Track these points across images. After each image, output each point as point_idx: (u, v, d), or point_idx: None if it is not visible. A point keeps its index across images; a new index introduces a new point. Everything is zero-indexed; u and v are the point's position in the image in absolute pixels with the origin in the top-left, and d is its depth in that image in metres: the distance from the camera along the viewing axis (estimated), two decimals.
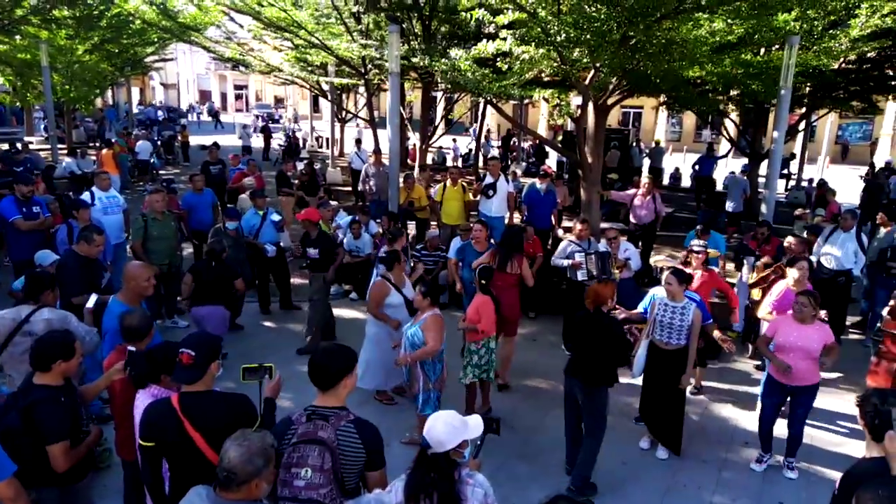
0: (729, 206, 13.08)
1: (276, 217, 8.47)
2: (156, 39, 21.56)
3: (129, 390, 3.43)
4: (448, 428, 2.71)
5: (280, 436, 2.79)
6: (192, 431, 2.87)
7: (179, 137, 23.52)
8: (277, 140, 25.80)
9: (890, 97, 16.04)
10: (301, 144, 24.87)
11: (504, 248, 6.45)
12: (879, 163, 21.32)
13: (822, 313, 5.27)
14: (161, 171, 19.26)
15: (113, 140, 17.30)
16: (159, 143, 22.61)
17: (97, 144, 22.42)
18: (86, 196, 7.78)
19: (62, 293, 5.21)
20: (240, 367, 3.32)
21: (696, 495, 4.98)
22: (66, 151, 18.41)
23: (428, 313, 5.07)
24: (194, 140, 23.98)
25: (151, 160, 18.43)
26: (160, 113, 36.25)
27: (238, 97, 51.74)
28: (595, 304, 4.80)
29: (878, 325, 7.73)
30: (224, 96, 51.50)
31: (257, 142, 25.06)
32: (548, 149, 20.79)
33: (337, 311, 8.26)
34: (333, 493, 2.73)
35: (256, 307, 8.44)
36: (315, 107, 38.75)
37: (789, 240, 7.32)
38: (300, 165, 13.78)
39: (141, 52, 23.63)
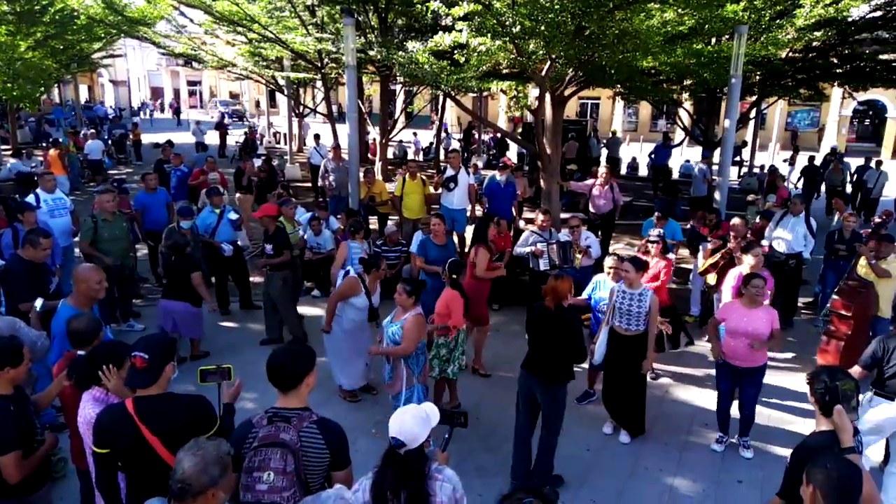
0: (694, 192, 13.40)
1: (233, 215, 8.30)
2: (103, 35, 20.84)
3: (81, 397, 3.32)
4: (417, 420, 2.70)
5: (241, 439, 2.74)
6: (150, 436, 2.79)
7: (131, 136, 22.86)
8: (235, 137, 25.30)
9: (835, 84, 16.57)
10: (258, 141, 24.42)
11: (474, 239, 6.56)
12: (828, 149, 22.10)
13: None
14: (113, 171, 18.71)
15: (59, 140, 16.71)
16: (110, 142, 21.93)
17: (45, 144, 21.63)
18: (30, 199, 7.50)
19: (9, 299, 5.02)
20: (198, 369, 3.25)
21: (658, 478, 5.09)
22: (10, 152, 17.74)
23: (411, 312, 4.96)
24: (147, 138, 23.34)
25: (102, 160, 17.88)
26: (110, 111, 35.15)
27: (192, 93, 50.44)
28: (555, 300, 4.70)
29: (828, 305, 8.04)
30: (177, 93, 50.12)
31: (212, 138, 24.53)
32: (508, 141, 20.89)
33: (301, 309, 8.17)
34: (297, 496, 2.69)
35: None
36: (272, 102, 38.17)
37: (734, 221, 7.50)
38: (257, 162, 13.54)
39: (87, 49, 22.80)
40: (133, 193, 10.07)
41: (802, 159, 17.69)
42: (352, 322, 5.91)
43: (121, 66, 41.26)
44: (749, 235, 7.69)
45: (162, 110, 45.98)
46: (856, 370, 4.65)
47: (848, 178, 15.02)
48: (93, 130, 22.82)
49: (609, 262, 5.98)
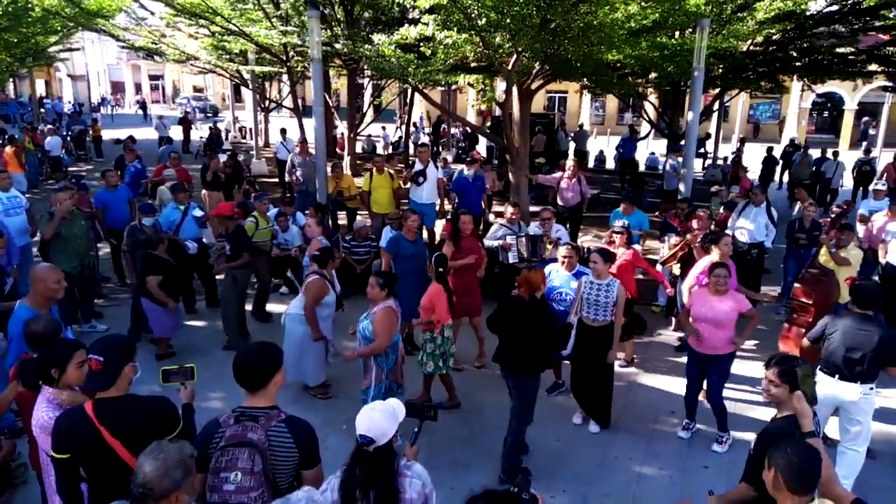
0: (666, 185, 13.55)
1: (198, 213, 8.13)
2: (59, 28, 20.21)
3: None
4: (385, 416, 2.68)
5: (207, 439, 2.69)
6: (112, 439, 2.73)
7: (91, 132, 22.27)
8: (200, 132, 24.83)
9: (794, 77, 16.97)
10: (224, 136, 24.01)
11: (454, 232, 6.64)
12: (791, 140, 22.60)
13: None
14: (72, 168, 18.20)
15: (15, 136, 16.20)
16: (68, 137, 21.32)
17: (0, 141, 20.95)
18: None
19: None
20: (160, 370, 3.18)
21: (627, 467, 5.16)
22: None
23: (381, 305, 4.86)
24: (108, 134, 22.77)
25: (61, 156, 17.39)
26: (68, 106, 34.16)
27: (154, 88, 49.32)
28: (529, 291, 4.78)
29: (790, 293, 8.23)
30: (139, 87, 48.93)
31: (176, 133, 24.03)
32: (478, 134, 20.91)
33: (268, 307, 8.08)
34: (265, 496, 2.65)
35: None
36: (237, 96, 37.50)
37: (698, 213, 7.64)
38: (223, 157, 13.30)
39: (43, 42, 22.10)
40: (93, 191, 9.81)
41: (755, 151, 18.04)
42: (322, 320, 5.89)
43: (79, 59, 40.09)
44: (713, 227, 7.83)
45: (121, 105, 44.67)
46: (804, 342, 4.89)
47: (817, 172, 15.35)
48: (51, 126, 22.18)
49: (562, 251, 5.99)
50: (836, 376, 4.61)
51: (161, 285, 6.43)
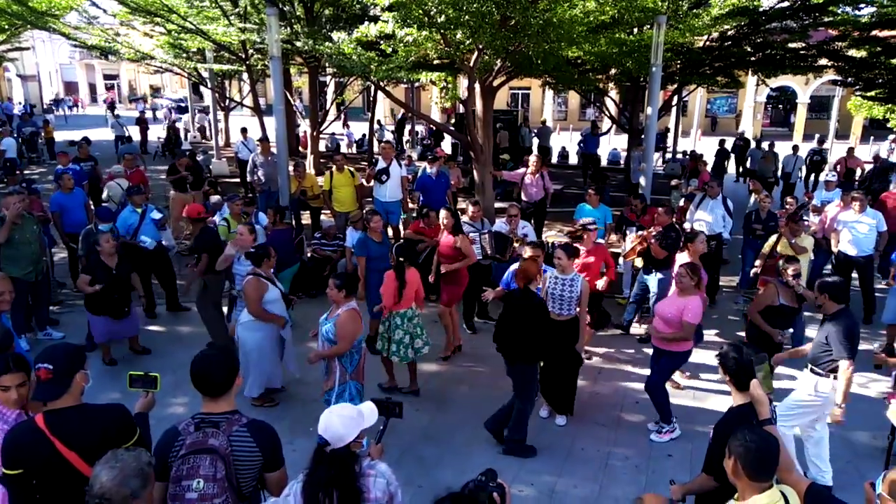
0: (634, 180, 13.71)
1: (156, 215, 7.93)
2: (6, 27, 19.51)
3: None
4: (344, 420, 2.65)
5: (166, 448, 2.64)
6: (66, 451, 2.64)
7: (43, 133, 21.56)
8: (156, 132, 24.23)
9: (749, 72, 17.40)
10: (183, 135, 23.50)
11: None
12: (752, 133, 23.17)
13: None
14: (24, 171, 17.59)
15: None
16: (19, 140, 20.60)
17: None
18: None
19: None
20: (126, 375, 3.11)
21: (594, 457, 5.23)
22: None
23: (343, 308, 4.82)
24: (62, 136, 22.08)
25: (16, 158, 16.77)
26: (18, 107, 32.99)
27: (109, 88, 47.95)
28: (524, 280, 4.93)
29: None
30: (93, 87, 47.59)
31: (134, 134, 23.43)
32: (442, 132, 20.89)
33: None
34: (229, 501, 2.62)
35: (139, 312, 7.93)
36: (196, 95, 36.70)
37: (659, 210, 7.76)
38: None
39: None
40: (45, 194, 9.51)
41: (713, 144, 18.40)
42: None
43: (29, 59, 38.76)
44: (674, 219, 7.94)
45: (81, 106, 43.17)
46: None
47: (780, 168, 15.57)
48: (4, 128, 21.41)
49: (528, 251, 5.95)
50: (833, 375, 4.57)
51: (102, 293, 6.22)
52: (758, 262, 7.55)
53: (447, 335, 6.98)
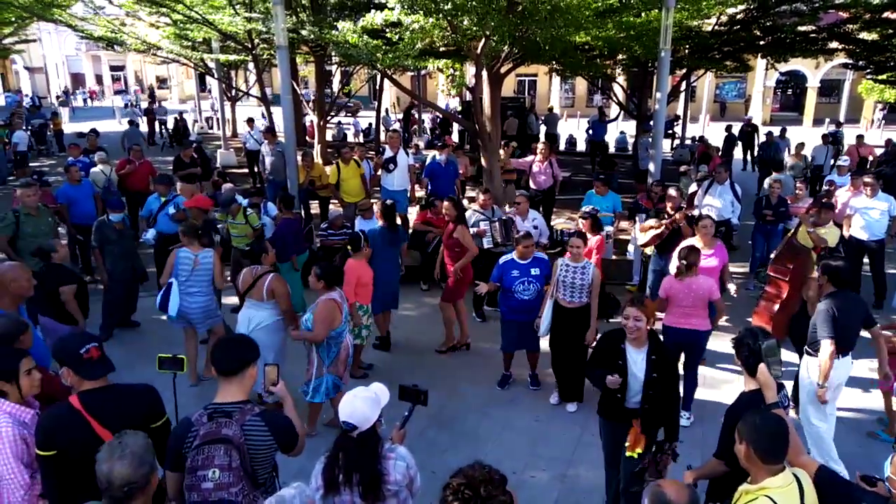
0: (642, 166, 13.60)
1: (172, 210, 7.91)
2: (13, 19, 19.56)
3: None
4: (368, 403, 2.71)
5: (181, 439, 2.68)
6: (101, 429, 2.69)
7: (51, 125, 21.65)
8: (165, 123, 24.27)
9: (758, 56, 17.19)
10: (189, 127, 23.53)
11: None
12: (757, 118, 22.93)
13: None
14: (34, 163, 17.69)
15: None
16: (28, 131, 20.70)
17: None
18: None
19: None
20: (139, 364, 3.18)
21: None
22: None
23: (321, 297, 4.84)
24: (72, 127, 22.16)
25: (27, 151, 16.87)
26: (27, 99, 33.10)
27: (115, 79, 48.00)
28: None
29: (758, 267, 8.38)
30: (99, 78, 47.62)
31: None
32: (450, 120, 20.81)
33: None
34: (245, 489, 2.66)
35: (150, 302, 7.98)
36: (202, 86, 36.71)
37: (670, 192, 7.66)
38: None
39: None
40: (55, 186, 9.57)
41: (721, 130, 18.26)
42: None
43: (36, 51, 38.90)
44: (684, 204, 7.87)
45: (97, 98, 42.24)
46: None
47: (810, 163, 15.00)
48: (19, 120, 21.45)
49: (522, 246, 5.81)
50: (850, 354, 4.63)
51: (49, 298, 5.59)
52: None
53: (446, 329, 6.86)
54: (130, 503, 2.24)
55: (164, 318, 6.31)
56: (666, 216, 7.25)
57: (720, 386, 6.19)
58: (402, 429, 3.07)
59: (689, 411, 5.54)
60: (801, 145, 13.01)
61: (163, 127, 22.88)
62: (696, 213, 8.21)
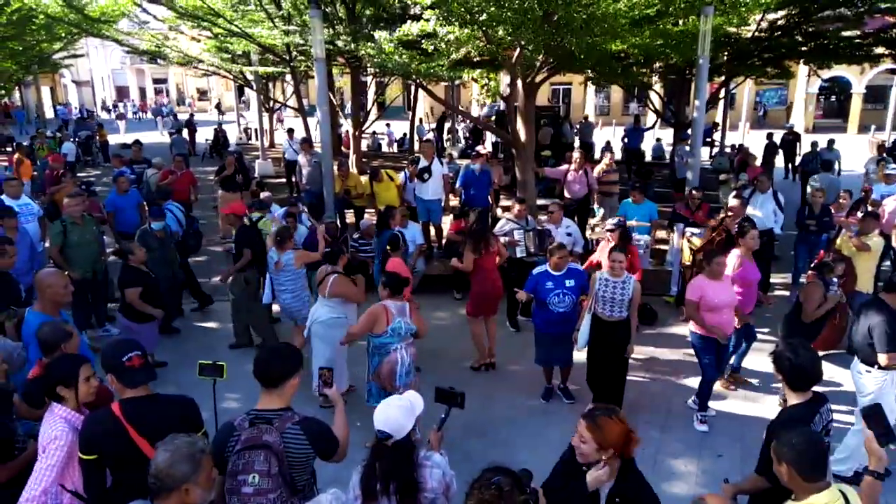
0: (679, 174, 13.41)
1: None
2: (63, 35, 20.33)
3: None
4: (403, 412, 2.72)
5: (223, 443, 2.73)
6: (138, 438, 2.76)
7: (97, 137, 22.40)
8: (204, 135, 24.88)
9: (800, 62, 16.78)
10: (229, 137, 24.07)
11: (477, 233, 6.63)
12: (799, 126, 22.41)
13: None
14: (80, 174, 18.31)
15: (24, 143, 16.31)
16: (76, 143, 21.47)
17: (9, 149, 21.10)
18: None
19: None
20: (180, 372, 3.25)
21: (641, 455, 5.13)
22: None
23: (377, 304, 4.99)
24: (116, 139, 22.88)
25: (75, 162, 17.50)
26: (75, 111, 34.32)
27: (158, 92, 49.47)
28: None
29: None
30: (143, 91, 49.14)
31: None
32: (483, 129, 20.82)
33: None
34: (284, 496, 2.70)
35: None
36: (241, 98, 37.49)
37: (732, 203, 7.58)
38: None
39: (48, 49, 22.25)
40: (102, 195, 9.88)
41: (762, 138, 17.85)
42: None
43: (83, 65, 40.30)
44: (729, 213, 7.68)
45: (146, 111, 42.43)
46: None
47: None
48: (68, 132, 22.29)
49: (556, 256, 5.77)
50: None
51: (141, 297, 6.06)
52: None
53: (476, 345, 6.76)
54: (158, 498, 2.27)
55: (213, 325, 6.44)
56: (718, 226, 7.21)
57: (761, 400, 6.03)
58: (439, 431, 3.07)
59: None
60: (830, 145, 12.44)
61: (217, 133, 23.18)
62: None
